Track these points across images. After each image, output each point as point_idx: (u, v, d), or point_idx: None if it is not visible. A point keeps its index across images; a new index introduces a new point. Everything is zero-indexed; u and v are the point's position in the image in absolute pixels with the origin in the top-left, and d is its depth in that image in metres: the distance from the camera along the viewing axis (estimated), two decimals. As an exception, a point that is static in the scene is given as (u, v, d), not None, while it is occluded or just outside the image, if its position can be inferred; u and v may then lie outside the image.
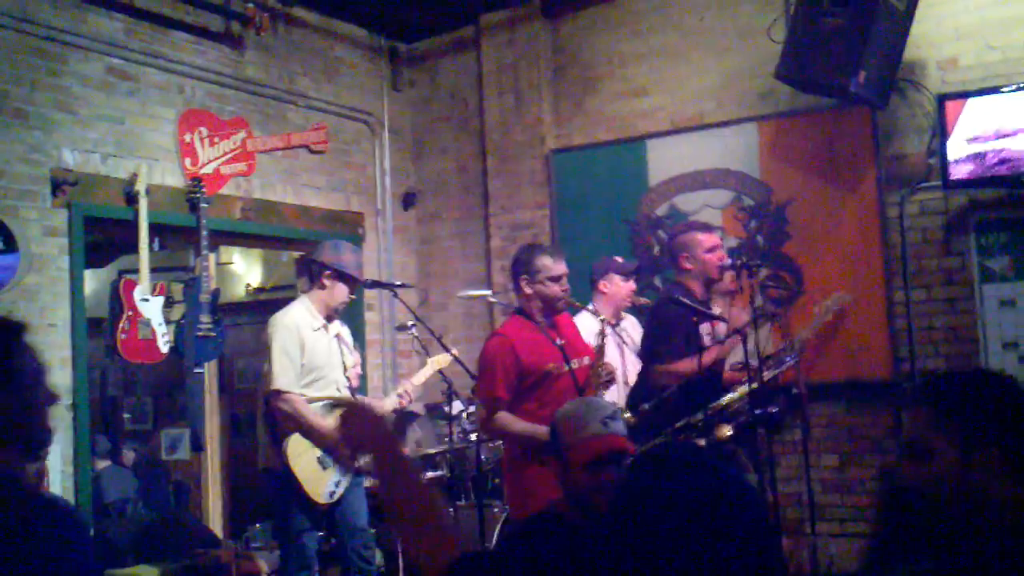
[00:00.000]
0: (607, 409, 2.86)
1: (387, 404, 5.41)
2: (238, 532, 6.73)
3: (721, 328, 5.00)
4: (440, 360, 5.63)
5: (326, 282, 5.24)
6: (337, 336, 5.34)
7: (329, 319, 5.29)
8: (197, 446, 6.21)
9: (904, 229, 6.11)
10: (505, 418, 4.34)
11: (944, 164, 5.79)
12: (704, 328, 5.01)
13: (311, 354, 5.13)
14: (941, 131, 5.79)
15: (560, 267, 4.50)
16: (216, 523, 6.90)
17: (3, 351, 2.07)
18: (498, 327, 5.05)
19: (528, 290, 4.51)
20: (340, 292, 5.26)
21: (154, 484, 6.87)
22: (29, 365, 2.10)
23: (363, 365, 5.74)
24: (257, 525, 6.37)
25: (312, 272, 5.38)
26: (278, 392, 5.05)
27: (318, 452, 5.07)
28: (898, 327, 6.10)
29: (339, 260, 5.24)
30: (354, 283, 5.33)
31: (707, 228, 5.33)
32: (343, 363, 5.33)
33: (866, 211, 6.20)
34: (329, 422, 5.11)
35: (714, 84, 6.82)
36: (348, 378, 5.36)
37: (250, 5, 6.50)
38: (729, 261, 5.22)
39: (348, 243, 5.54)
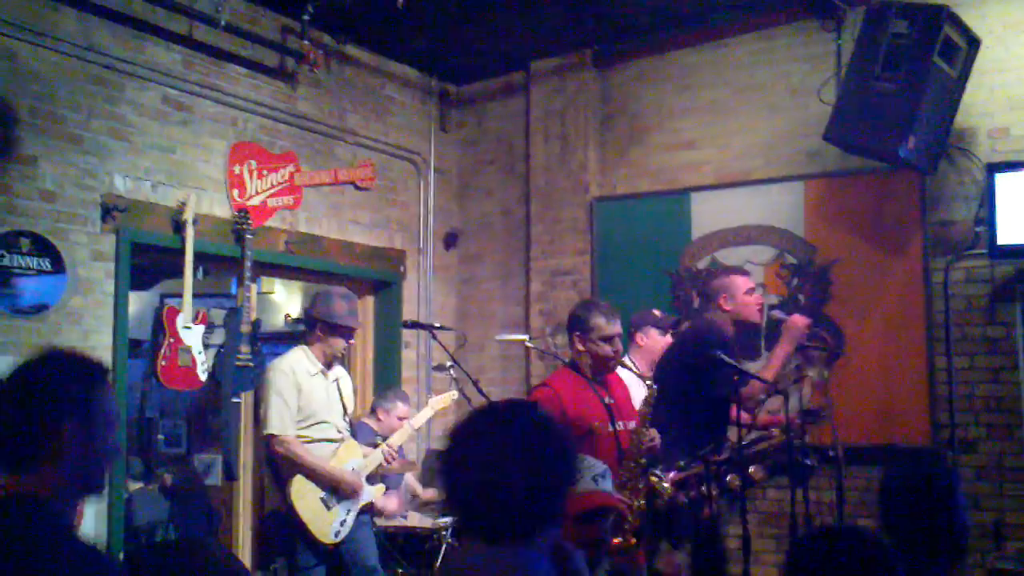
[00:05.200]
0: (598, 468, 3.07)
1: (375, 458, 5.52)
2: (266, 564, 6.73)
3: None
4: (440, 401, 5.75)
5: (320, 334, 5.36)
6: (336, 382, 5.46)
7: (328, 366, 5.42)
8: (230, 475, 6.24)
9: (948, 296, 6.05)
10: None
11: (992, 232, 5.74)
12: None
13: (308, 398, 5.27)
14: (990, 200, 5.75)
15: (614, 328, 4.49)
16: (245, 553, 6.90)
17: (87, 387, 2.09)
18: (547, 378, 5.03)
19: (580, 347, 4.50)
20: (335, 343, 5.38)
21: (188, 509, 6.87)
22: (107, 408, 2.13)
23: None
24: (285, 559, 6.36)
25: (309, 324, 5.49)
26: (272, 436, 5.18)
27: (321, 492, 5.20)
28: (939, 394, 6.02)
29: (330, 312, 5.34)
30: (348, 332, 5.40)
31: (744, 272, 5.52)
32: (343, 407, 5.45)
33: (911, 276, 6.15)
34: (332, 463, 5.24)
35: (762, 141, 6.82)
36: (349, 421, 5.51)
37: (305, 42, 6.58)
38: (775, 313, 5.30)
39: (341, 290, 5.57)
